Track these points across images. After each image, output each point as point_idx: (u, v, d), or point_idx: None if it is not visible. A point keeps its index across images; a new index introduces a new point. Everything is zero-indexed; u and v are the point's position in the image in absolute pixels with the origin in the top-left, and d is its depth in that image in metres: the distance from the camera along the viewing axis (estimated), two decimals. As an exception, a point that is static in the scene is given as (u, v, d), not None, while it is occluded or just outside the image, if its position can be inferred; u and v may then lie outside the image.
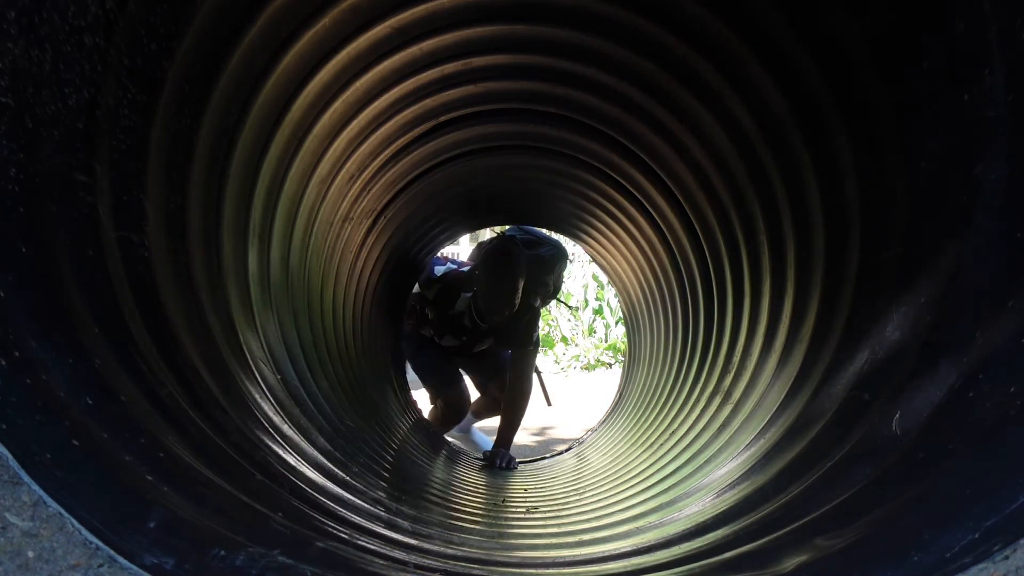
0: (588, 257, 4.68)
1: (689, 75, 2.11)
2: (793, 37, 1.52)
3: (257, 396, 1.44)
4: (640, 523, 1.40)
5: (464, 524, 1.48)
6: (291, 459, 1.28)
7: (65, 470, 0.66)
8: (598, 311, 8.26)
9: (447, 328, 3.49)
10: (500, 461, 3.20)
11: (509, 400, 3.45)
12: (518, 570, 0.98)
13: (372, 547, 0.94)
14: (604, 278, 7.21)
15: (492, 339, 3.54)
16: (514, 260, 3.17)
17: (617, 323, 7.94)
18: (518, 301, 3.14)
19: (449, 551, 1.03)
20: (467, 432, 4.01)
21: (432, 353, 3.67)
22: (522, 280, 3.15)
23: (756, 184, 2.02)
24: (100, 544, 0.63)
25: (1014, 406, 0.74)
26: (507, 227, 4.10)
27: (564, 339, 8.08)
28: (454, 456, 3.34)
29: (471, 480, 2.67)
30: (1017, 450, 0.70)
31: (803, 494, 1.02)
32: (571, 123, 2.90)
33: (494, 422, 3.78)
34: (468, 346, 3.59)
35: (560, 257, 3.67)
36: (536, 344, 3.48)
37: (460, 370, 3.81)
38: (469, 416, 3.96)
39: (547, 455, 3.67)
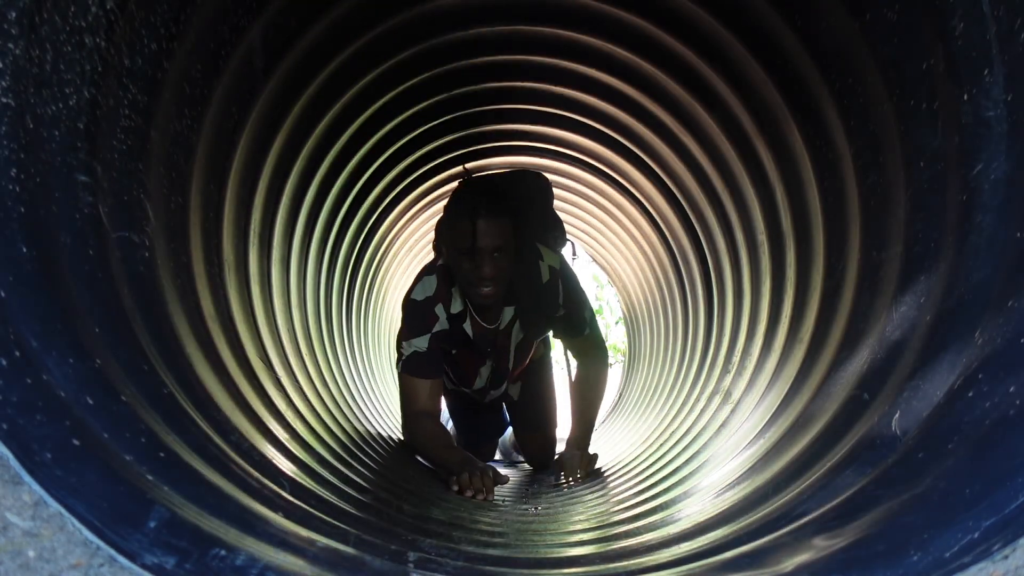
0: (588, 257, 4.60)
1: (689, 75, 2.12)
2: (793, 37, 1.53)
3: (257, 396, 1.44)
4: (640, 523, 1.40)
5: (465, 524, 1.48)
6: (291, 458, 1.28)
7: (66, 470, 0.66)
8: (598, 311, 8.27)
9: (466, 358, 2.50)
10: (571, 477, 2.35)
11: (577, 392, 2.56)
12: (519, 569, 0.99)
13: (374, 546, 0.95)
14: (604, 278, 7.21)
15: (520, 330, 2.45)
16: (465, 189, 2.15)
17: (617, 323, 7.94)
18: (500, 244, 2.07)
19: (450, 550, 1.03)
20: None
21: (469, 414, 2.87)
22: (490, 212, 2.05)
23: (756, 184, 2.02)
24: (101, 544, 0.63)
25: (1013, 406, 0.74)
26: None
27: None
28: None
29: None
30: (1016, 450, 0.70)
31: (802, 494, 1.02)
32: (571, 123, 2.91)
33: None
34: (499, 372, 2.56)
35: (545, 184, 2.64)
36: (590, 321, 2.48)
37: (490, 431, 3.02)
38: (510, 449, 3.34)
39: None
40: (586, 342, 2.55)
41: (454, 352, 2.43)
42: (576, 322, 2.46)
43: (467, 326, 2.34)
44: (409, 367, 2.31)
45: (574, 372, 2.63)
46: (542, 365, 2.91)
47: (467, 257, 2.09)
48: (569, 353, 2.65)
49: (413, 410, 2.31)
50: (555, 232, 2.61)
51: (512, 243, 2.14)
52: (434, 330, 2.29)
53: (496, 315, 2.38)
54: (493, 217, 2.06)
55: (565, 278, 2.40)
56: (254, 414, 1.32)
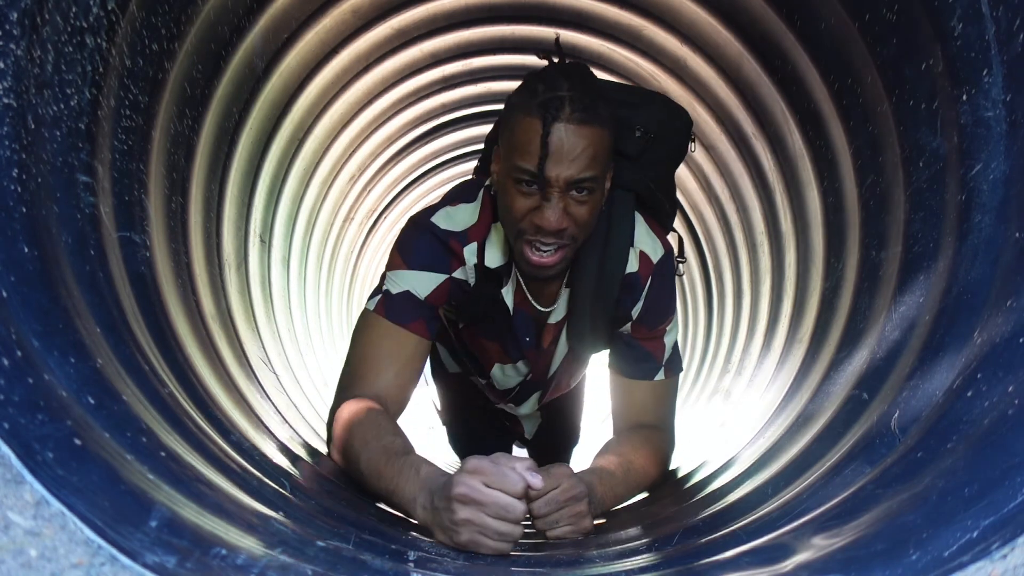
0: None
1: (689, 75, 2.12)
2: (793, 37, 1.53)
3: (257, 395, 1.44)
4: (639, 522, 1.40)
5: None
6: (292, 458, 1.29)
7: (67, 469, 0.66)
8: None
9: (484, 343, 1.55)
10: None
11: (629, 448, 1.41)
12: (518, 569, 0.99)
13: (374, 546, 0.95)
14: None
15: (566, 338, 1.53)
16: (549, 69, 1.26)
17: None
18: (588, 177, 1.19)
19: (451, 550, 1.03)
20: None
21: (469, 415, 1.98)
22: (584, 116, 1.17)
23: (756, 184, 2.03)
24: (102, 543, 0.63)
25: (1012, 405, 0.74)
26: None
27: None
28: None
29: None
30: (1015, 449, 0.70)
31: (802, 493, 1.02)
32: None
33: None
34: (532, 384, 1.65)
35: (687, 122, 1.51)
36: (670, 362, 1.50)
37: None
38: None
39: (547, 455, 3.66)
40: (653, 396, 1.49)
41: (463, 327, 1.52)
42: (648, 353, 1.47)
43: (507, 294, 1.41)
44: (387, 306, 1.33)
45: (615, 433, 1.51)
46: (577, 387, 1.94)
47: (525, 187, 1.21)
48: (613, 405, 1.55)
49: (355, 385, 1.31)
50: (667, 208, 1.53)
51: (604, 180, 1.26)
52: (454, 274, 1.36)
53: (553, 296, 1.45)
54: (587, 124, 1.17)
55: (662, 279, 1.44)
56: (254, 414, 1.32)
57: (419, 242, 1.36)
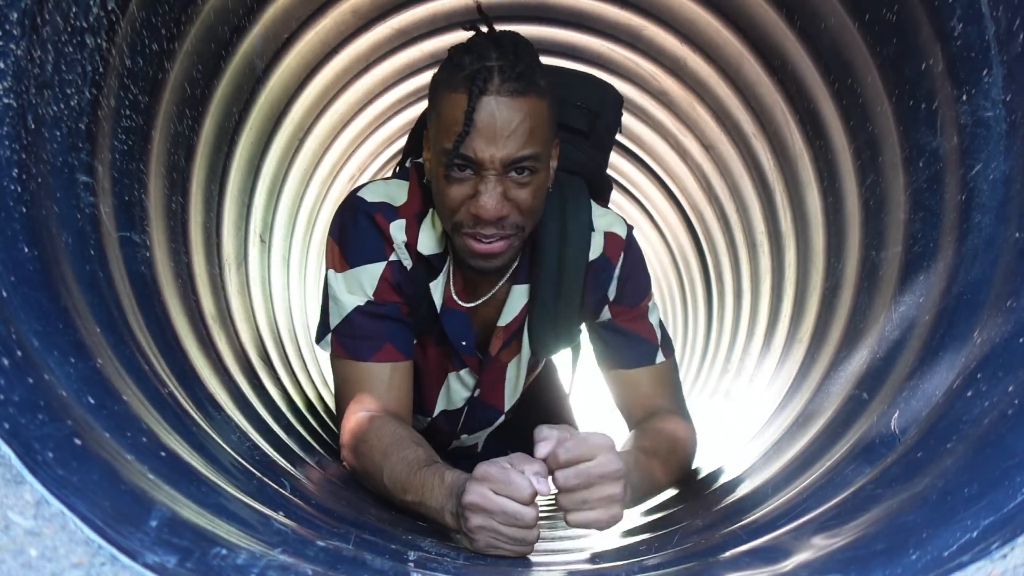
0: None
1: (689, 75, 2.12)
2: (793, 37, 1.53)
3: (257, 396, 1.44)
4: (639, 522, 1.40)
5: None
6: (291, 458, 1.29)
7: (67, 469, 0.66)
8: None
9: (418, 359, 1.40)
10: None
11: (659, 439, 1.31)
12: (518, 568, 0.99)
13: (374, 546, 0.95)
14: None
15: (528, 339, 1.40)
16: (475, 39, 1.12)
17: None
18: (529, 155, 1.08)
19: (452, 551, 1.03)
20: None
21: None
22: (516, 86, 1.05)
23: (756, 184, 2.03)
24: (102, 543, 0.63)
25: (1012, 405, 0.74)
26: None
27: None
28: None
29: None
30: (1015, 449, 0.71)
31: (802, 493, 1.02)
32: (571, 123, 2.90)
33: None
34: (482, 408, 1.52)
35: (617, 99, 1.51)
36: (664, 342, 1.42)
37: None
38: None
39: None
40: (660, 381, 1.40)
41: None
42: (639, 336, 1.39)
43: (435, 288, 1.29)
44: (344, 344, 1.25)
45: (632, 430, 1.38)
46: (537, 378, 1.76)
47: (458, 172, 1.10)
48: (618, 402, 1.45)
49: (357, 416, 1.23)
50: (608, 193, 1.54)
51: (548, 158, 1.15)
52: (390, 258, 1.24)
53: (495, 290, 1.33)
54: (521, 96, 1.06)
55: (634, 251, 1.38)
56: (254, 414, 1.32)
57: (355, 228, 1.24)
